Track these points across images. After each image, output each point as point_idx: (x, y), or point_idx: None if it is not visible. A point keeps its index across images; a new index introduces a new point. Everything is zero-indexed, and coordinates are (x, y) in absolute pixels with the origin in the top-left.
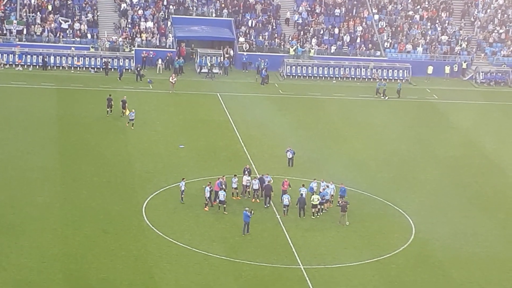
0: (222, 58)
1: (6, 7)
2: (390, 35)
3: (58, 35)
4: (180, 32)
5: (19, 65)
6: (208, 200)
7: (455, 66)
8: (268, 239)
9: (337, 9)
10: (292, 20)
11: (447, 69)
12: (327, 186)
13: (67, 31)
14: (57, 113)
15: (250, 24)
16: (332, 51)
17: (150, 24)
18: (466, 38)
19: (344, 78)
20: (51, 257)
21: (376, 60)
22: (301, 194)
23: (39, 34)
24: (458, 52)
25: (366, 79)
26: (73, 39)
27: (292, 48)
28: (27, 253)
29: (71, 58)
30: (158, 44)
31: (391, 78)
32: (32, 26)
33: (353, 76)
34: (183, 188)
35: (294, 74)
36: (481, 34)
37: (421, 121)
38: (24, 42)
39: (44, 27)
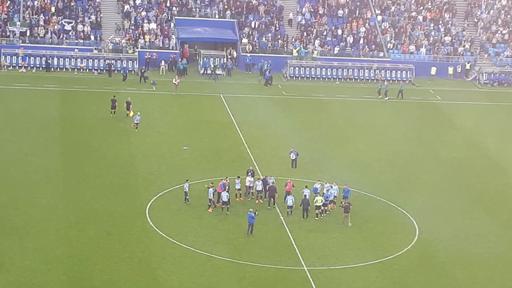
0: (225, 59)
1: (9, 9)
2: (393, 36)
3: (61, 37)
4: (183, 33)
5: (23, 67)
6: (211, 201)
7: (459, 67)
8: (272, 241)
9: (340, 10)
10: (295, 21)
11: (451, 70)
12: (331, 187)
13: (70, 33)
14: (60, 114)
15: (253, 26)
16: (335, 52)
17: (153, 25)
18: (469, 39)
19: (347, 79)
20: (55, 259)
21: (379, 61)
22: (305, 196)
23: (42, 36)
24: (462, 53)
25: (370, 80)
26: (76, 41)
27: (295, 49)
28: (31, 255)
29: (74, 60)
30: (161, 45)
31: (394, 79)
32: (35, 28)
33: (356, 77)
34: (186, 190)
35: (297, 75)
36: (484, 35)
37: (424, 122)
38: (27, 44)
39: (47, 29)
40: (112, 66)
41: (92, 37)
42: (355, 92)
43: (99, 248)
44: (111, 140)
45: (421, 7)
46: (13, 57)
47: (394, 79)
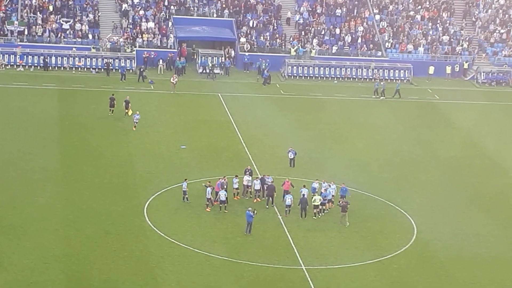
0: (223, 58)
1: (7, 8)
2: (391, 35)
3: (59, 35)
4: (181, 32)
5: (20, 66)
6: (209, 200)
7: (457, 66)
8: (270, 240)
9: (338, 9)
10: (293, 20)
11: (448, 69)
12: (329, 186)
13: (68, 32)
14: (58, 113)
15: (251, 25)
16: (333, 51)
17: (151, 24)
18: (467, 38)
19: (345, 79)
20: (53, 258)
21: (377, 60)
22: (303, 195)
23: (40, 34)
24: (460, 52)
25: (368, 80)
26: (74, 40)
27: (293, 48)
28: (29, 254)
29: (72, 58)
30: (159, 44)
31: (392, 78)
32: (33, 27)
33: (354, 77)
34: (185, 189)
35: (295, 75)
36: (482, 34)
37: (422, 122)
38: (25, 42)
39: (45, 27)
40: (110, 65)
41: (90, 36)
42: (353, 91)
43: (97, 247)
44: (109, 139)
45: (419, 6)
46: (11, 56)
47: (392, 78)
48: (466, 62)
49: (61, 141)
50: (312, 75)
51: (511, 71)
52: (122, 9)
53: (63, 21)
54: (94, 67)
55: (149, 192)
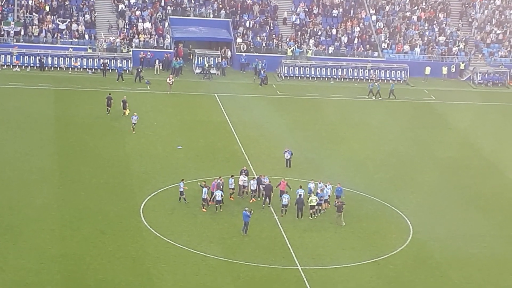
0: (219, 59)
1: (3, 8)
2: (387, 36)
3: (55, 36)
4: (178, 33)
5: (17, 66)
6: (204, 201)
7: (453, 67)
8: (266, 240)
9: (334, 10)
10: (290, 21)
11: (445, 70)
12: (325, 186)
13: (64, 32)
14: (55, 114)
15: (247, 25)
16: (330, 52)
17: (147, 25)
18: (463, 39)
19: (342, 79)
20: (49, 258)
21: (373, 61)
22: (299, 195)
23: (36, 35)
24: (456, 53)
25: (364, 80)
26: (71, 40)
27: (289, 49)
28: (25, 254)
29: (68, 59)
30: (155, 45)
31: (388, 79)
32: (30, 27)
33: (351, 77)
34: (182, 189)
35: (291, 75)
36: (479, 35)
37: (419, 122)
38: (21, 43)
39: (41, 28)
40: (107, 65)
41: (87, 36)
42: (349, 91)
43: (94, 248)
44: (106, 139)
45: (416, 7)
46: (7, 56)
47: (389, 79)
48: (462, 63)
49: (57, 142)
50: (308, 75)
51: (507, 72)
52: (119, 10)
53: (59, 21)
54: (90, 67)
55: (145, 192)
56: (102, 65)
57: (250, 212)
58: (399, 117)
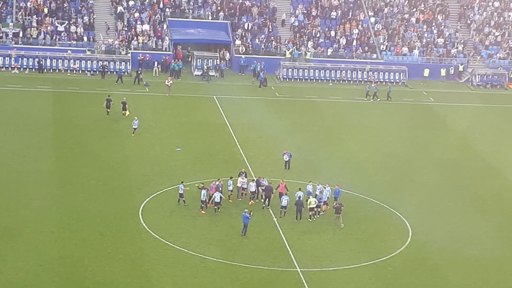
0: (218, 61)
1: (2, 10)
2: (386, 38)
3: (54, 38)
4: (176, 34)
5: (15, 68)
6: (203, 203)
7: (451, 69)
8: (265, 242)
9: (333, 12)
10: (288, 22)
11: (443, 72)
12: (324, 188)
13: (62, 34)
14: (53, 116)
15: (246, 27)
16: (328, 53)
17: (146, 27)
18: (462, 41)
19: (341, 81)
20: (48, 260)
21: (372, 62)
22: (299, 197)
23: (35, 37)
24: (454, 54)
25: (363, 82)
26: (69, 42)
27: (288, 50)
28: (24, 256)
29: (67, 61)
30: (154, 47)
31: (387, 80)
32: (28, 29)
33: (350, 79)
34: (181, 191)
35: (290, 77)
36: (477, 37)
37: (417, 124)
38: (20, 45)
39: (40, 30)
40: (106, 67)
41: (85, 38)
42: (348, 93)
43: (92, 249)
44: (105, 141)
45: (414, 9)
46: (6, 58)
47: (387, 80)
48: (461, 65)
49: (56, 143)
50: (307, 77)
51: (506, 74)
52: (117, 12)
53: (58, 23)
54: (89, 69)
55: (144, 194)
56: (101, 67)
57: (250, 213)
58: (397, 119)
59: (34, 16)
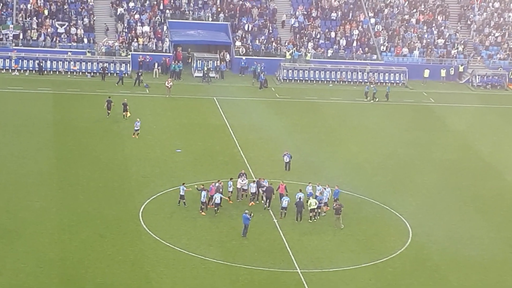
0: (218, 62)
1: (2, 12)
2: (386, 39)
3: (54, 39)
4: (177, 36)
5: (16, 70)
6: (203, 204)
7: (452, 70)
8: (265, 243)
9: (333, 13)
10: (289, 24)
11: (443, 73)
12: (325, 189)
13: (63, 35)
14: (53, 117)
15: (246, 28)
16: (329, 54)
17: (146, 28)
18: (462, 42)
19: (341, 82)
20: (48, 262)
21: (372, 63)
22: (299, 198)
23: (35, 39)
24: (455, 55)
25: (363, 83)
26: (70, 44)
27: (288, 52)
28: (24, 257)
29: (67, 63)
30: (154, 48)
31: (387, 81)
32: (29, 31)
33: (350, 80)
34: (182, 193)
35: (290, 78)
36: (478, 37)
37: (417, 125)
38: (20, 47)
39: (40, 32)
40: (106, 69)
41: (85, 40)
42: (348, 94)
43: (92, 251)
44: (105, 143)
45: (414, 10)
46: (6, 60)
47: (388, 81)
48: (461, 65)
49: (56, 145)
50: (307, 78)
51: (506, 74)
52: (118, 13)
53: (58, 24)
54: (89, 71)
55: (144, 196)
56: (101, 69)
57: (250, 215)
58: (397, 120)
59: (34, 18)
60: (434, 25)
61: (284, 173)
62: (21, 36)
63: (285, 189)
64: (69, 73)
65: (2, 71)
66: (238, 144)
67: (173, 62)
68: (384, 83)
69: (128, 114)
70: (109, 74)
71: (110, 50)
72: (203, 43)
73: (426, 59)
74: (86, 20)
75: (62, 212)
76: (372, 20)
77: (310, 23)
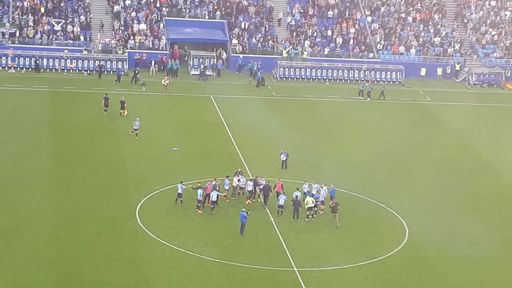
0: (215, 60)
1: None
2: (383, 37)
3: (50, 37)
4: (173, 34)
5: (12, 68)
6: (200, 202)
7: (448, 68)
8: (262, 242)
9: (330, 11)
10: (285, 22)
11: (440, 71)
12: (321, 187)
13: (59, 33)
14: (50, 115)
15: (243, 26)
16: (325, 53)
17: (143, 26)
18: (459, 40)
19: (337, 80)
20: (45, 260)
21: (369, 62)
22: (296, 197)
23: (31, 36)
24: (451, 54)
25: (359, 81)
26: (66, 42)
27: (285, 50)
28: (21, 256)
29: (64, 60)
30: (151, 46)
31: (384, 80)
32: (25, 29)
33: (346, 78)
34: (180, 191)
35: (287, 76)
36: (474, 36)
37: (414, 123)
38: (16, 44)
39: (36, 29)
40: (103, 67)
41: (82, 38)
42: (345, 93)
43: (89, 250)
44: (102, 141)
45: (411, 8)
46: (3, 58)
47: (384, 80)
48: (457, 64)
49: (53, 143)
50: (304, 76)
51: (503, 73)
52: (114, 11)
53: (54, 22)
54: (86, 69)
55: (141, 194)
56: (98, 66)
57: (247, 213)
58: (394, 118)
59: (31, 16)
60: (430, 23)
61: (281, 171)
62: (17, 34)
63: (282, 187)
64: (65, 70)
65: None
66: (234, 142)
67: (169, 60)
68: (380, 82)
69: (126, 112)
70: (105, 72)
71: (106, 48)
72: (199, 41)
73: (423, 57)
74: (82, 17)
75: (59, 211)
76: (369, 18)
77: (307, 21)
